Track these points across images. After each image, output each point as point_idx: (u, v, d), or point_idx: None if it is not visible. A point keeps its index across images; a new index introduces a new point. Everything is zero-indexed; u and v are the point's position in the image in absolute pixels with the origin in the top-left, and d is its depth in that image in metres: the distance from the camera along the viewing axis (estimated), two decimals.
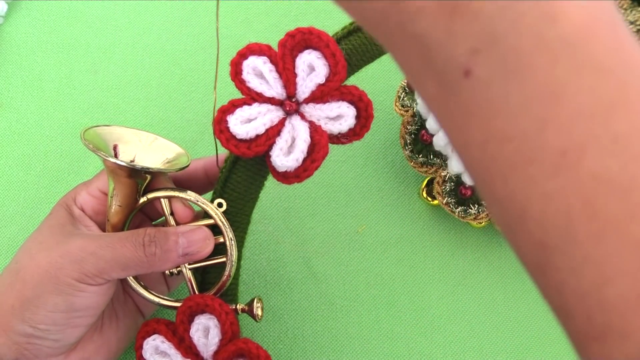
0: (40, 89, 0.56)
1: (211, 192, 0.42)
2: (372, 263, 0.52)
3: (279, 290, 0.51)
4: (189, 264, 0.40)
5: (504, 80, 0.18)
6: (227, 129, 0.38)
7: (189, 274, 0.40)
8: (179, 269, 0.40)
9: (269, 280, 0.51)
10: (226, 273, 0.41)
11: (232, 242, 0.40)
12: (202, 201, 0.40)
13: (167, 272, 0.40)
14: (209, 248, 0.40)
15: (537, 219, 0.18)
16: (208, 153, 0.54)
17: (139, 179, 0.40)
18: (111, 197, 0.40)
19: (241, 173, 0.39)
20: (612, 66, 0.18)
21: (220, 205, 0.40)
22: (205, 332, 0.37)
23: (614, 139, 0.17)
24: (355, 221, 0.53)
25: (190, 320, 0.38)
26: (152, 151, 0.42)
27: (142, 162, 0.41)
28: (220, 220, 0.40)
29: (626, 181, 0.17)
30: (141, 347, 0.38)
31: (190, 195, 0.40)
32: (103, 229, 0.41)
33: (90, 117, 0.55)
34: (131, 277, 0.41)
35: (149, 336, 0.38)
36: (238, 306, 0.40)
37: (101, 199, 0.41)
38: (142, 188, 0.41)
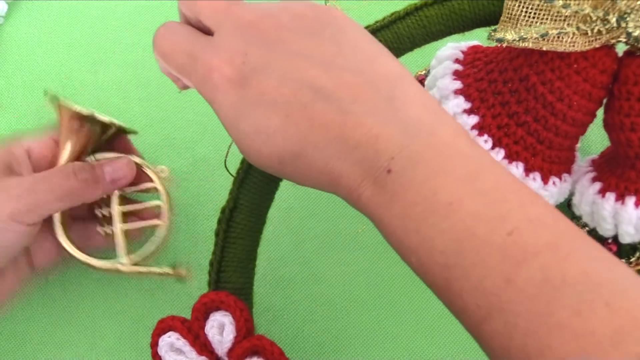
0: (40, 89, 0.56)
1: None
2: (372, 263, 0.52)
3: (279, 290, 0.51)
4: (121, 222, 0.44)
5: (411, 171, 0.28)
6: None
7: (120, 235, 0.44)
8: (111, 227, 0.44)
9: (269, 280, 0.51)
10: (161, 235, 0.45)
11: (168, 207, 0.45)
12: (145, 164, 0.46)
13: (100, 230, 0.45)
14: (133, 172, 0.44)
15: (441, 249, 0.28)
16: (209, 153, 0.54)
17: (93, 133, 0.45)
18: (62, 150, 0.44)
19: (258, 174, 0.40)
20: (472, 153, 0.29)
21: (162, 171, 0.46)
22: (220, 329, 0.38)
23: (480, 192, 0.28)
24: (356, 221, 0.53)
25: (206, 317, 0.38)
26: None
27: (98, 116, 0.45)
28: (160, 184, 0.46)
29: (489, 213, 0.27)
30: (157, 344, 0.38)
31: (135, 158, 0.46)
32: None
33: None
34: (61, 231, 0.43)
35: (164, 333, 0.38)
36: (161, 269, 0.44)
37: (50, 146, 0.43)
38: (90, 148, 0.45)
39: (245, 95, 0.31)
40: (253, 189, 0.40)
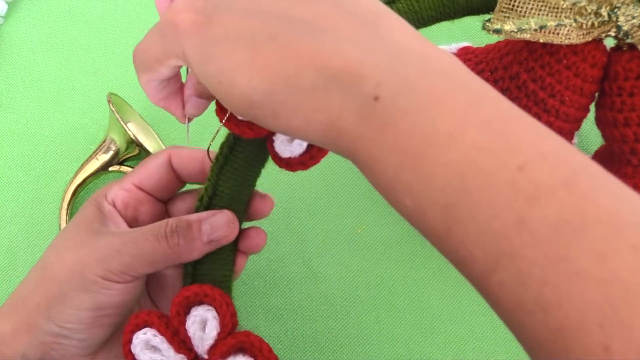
0: (40, 89, 0.56)
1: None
2: (372, 263, 0.52)
3: (279, 290, 0.51)
4: None
5: (403, 98, 0.25)
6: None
7: None
8: None
9: (269, 280, 0.51)
10: None
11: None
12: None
13: None
14: (234, 232, 0.38)
15: (441, 187, 0.24)
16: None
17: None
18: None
19: (239, 159, 0.38)
20: (472, 83, 0.26)
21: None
22: (202, 324, 0.35)
23: (485, 122, 0.25)
24: (355, 221, 0.53)
25: (187, 312, 0.35)
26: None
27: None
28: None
29: (496, 145, 0.24)
30: (130, 341, 0.35)
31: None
32: (134, 225, 0.40)
33: (90, 117, 0.55)
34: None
35: (139, 329, 0.35)
36: None
37: (133, 193, 0.40)
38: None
39: (210, 35, 0.29)
40: (234, 176, 0.38)
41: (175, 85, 0.37)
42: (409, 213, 0.26)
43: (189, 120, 0.38)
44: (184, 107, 0.37)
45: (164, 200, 0.42)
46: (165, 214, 0.42)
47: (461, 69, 0.27)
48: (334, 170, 0.54)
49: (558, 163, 0.24)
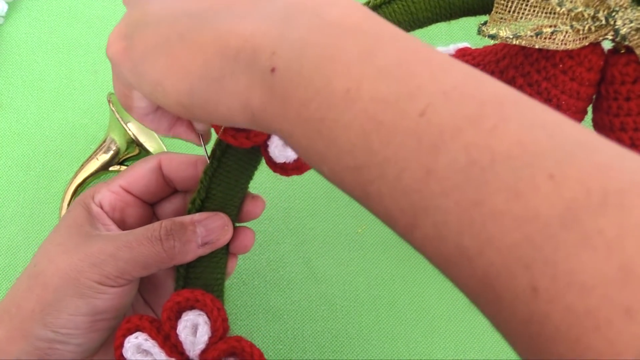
0: (40, 89, 0.56)
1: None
2: (372, 263, 0.52)
3: (279, 290, 0.51)
4: None
5: (297, 62, 0.24)
6: None
7: None
8: None
9: (269, 280, 0.51)
10: None
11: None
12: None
13: None
14: (228, 235, 0.38)
15: (348, 150, 0.24)
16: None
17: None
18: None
19: (232, 162, 0.38)
20: (368, 28, 0.25)
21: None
22: (194, 329, 0.35)
23: (380, 70, 0.23)
24: (356, 221, 0.53)
25: (178, 317, 0.35)
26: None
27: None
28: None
29: (394, 94, 0.23)
30: (122, 345, 0.35)
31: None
32: (122, 226, 0.40)
33: (90, 117, 0.55)
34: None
35: (131, 333, 0.35)
36: None
37: (121, 195, 0.40)
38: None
39: (135, 55, 0.29)
40: (227, 179, 0.38)
41: (174, 115, 0.37)
42: (329, 179, 0.26)
43: (205, 140, 0.37)
44: (193, 129, 0.37)
45: (151, 203, 0.42)
46: (153, 216, 0.42)
47: (357, 16, 0.25)
48: None
49: (462, 99, 0.22)
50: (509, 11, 0.38)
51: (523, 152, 0.21)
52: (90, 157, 0.52)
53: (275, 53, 0.25)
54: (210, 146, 0.38)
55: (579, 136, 0.22)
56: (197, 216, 0.38)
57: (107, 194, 0.40)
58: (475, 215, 0.21)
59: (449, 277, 0.23)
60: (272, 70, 0.25)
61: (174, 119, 0.37)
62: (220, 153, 0.37)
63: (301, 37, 0.25)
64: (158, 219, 0.42)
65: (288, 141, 0.26)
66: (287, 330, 0.50)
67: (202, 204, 0.38)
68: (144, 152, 0.50)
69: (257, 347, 0.35)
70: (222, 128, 0.35)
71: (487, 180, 0.21)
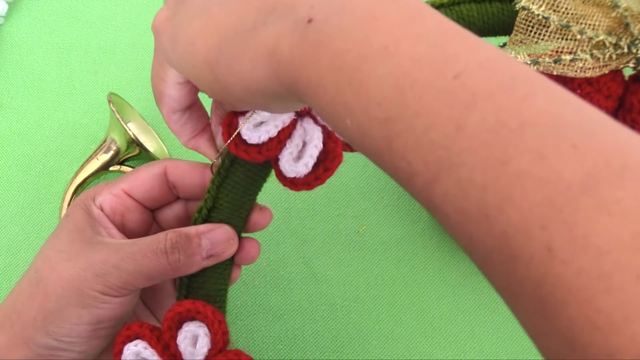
0: (40, 89, 0.56)
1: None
2: (372, 263, 0.52)
3: (279, 290, 0.51)
4: None
5: (336, 16, 0.25)
6: (238, 133, 0.35)
7: None
8: None
9: (269, 280, 0.51)
10: None
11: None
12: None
13: None
14: (234, 248, 0.38)
15: (379, 101, 0.24)
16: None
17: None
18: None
19: (240, 173, 0.37)
20: (409, 1, 0.26)
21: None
22: (194, 340, 0.35)
23: (420, 34, 0.24)
24: (356, 221, 0.53)
25: (178, 327, 0.35)
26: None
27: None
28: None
29: (432, 55, 0.24)
30: (121, 352, 0.35)
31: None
32: (121, 230, 0.40)
33: (90, 117, 0.55)
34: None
35: (131, 341, 0.35)
36: None
37: (122, 199, 0.40)
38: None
39: (176, 21, 0.31)
40: (235, 189, 0.37)
41: (199, 123, 0.37)
42: (351, 133, 0.26)
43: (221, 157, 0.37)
44: (213, 148, 0.37)
45: (152, 209, 0.42)
46: (152, 221, 0.42)
47: None
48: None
49: (495, 70, 0.23)
50: (529, 35, 0.37)
51: (550, 121, 0.22)
52: (90, 157, 0.52)
53: (314, 7, 0.26)
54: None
55: (600, 118, 0.23)
56: (202, 228, 0.37)
57: (109, 197, 0.39)
58: (500, 173, 0.22)
59: (463, 236, 0.24)
60: (309, 20, 0.26)
61: (199, 127, 0.37)
62: (229, 163, 0.37)
63: None
64: (158, 225, 0.42)
65: (311, 92, 0.26)
66: (287, 330, 0.50)
67: (208, 214, 0.37)
68: (144, 152, 0.50)
69: None
70: (233, 138, 0.35)
71: (515, 142, 0.22)
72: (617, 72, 0.38)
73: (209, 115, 0.38)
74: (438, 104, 0.23)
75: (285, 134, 0.36)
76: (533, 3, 0.36)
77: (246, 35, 0.28)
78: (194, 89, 0.36)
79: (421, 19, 0.25)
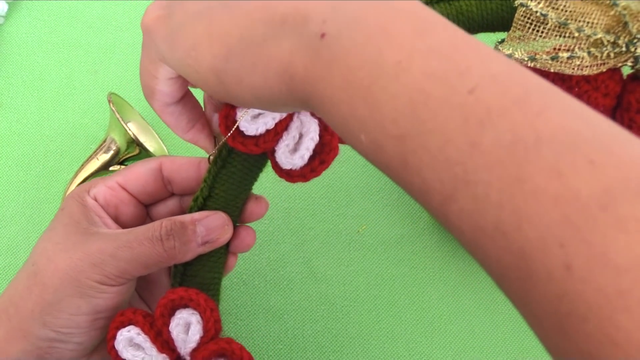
0: (40, 89, 0.56)
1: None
2: (372, 263, 0.52)
3: (279, 290, 0.51)
4: None
5: (349, 31, 0.25)
6: (235, 125, 0.35)
7: None
8: None
9: (269, 280, 0.51)
10: None
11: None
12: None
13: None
14: (228, 234, 0.38)
15: (393, 118, 0.24)
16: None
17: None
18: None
19: (237, 163, 0.37)
20: (420, 12, 0.26)
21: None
22: (186, 327, 0.36)
23: (432, 48, 0.24)
24: (356, 221, 0.53)
25: (171, 314, 0.36)
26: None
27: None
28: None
29: (445, 71, 0.24)
30: (114, 337, 0.36)
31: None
32: (116, 221, 0.40)
33: (90, 117, 0.55)
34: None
35: (124, 327, 0.36)
36: None
37: (116, 192, 0.40)
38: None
39: (173, 22, 0.30)
40: (231, 179, 0.38)
41: (194, 112, 0.37)
42: (365, 149, 0.26)
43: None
44: (210, 138, 0.37)
45: (146, 204, 0.42)
46: (146, 216, 0.42)
47: (409, 0, 0.26)
48: (334, 170, 0.54)
49: (509, 84, 0.23)
50: (527, 31, 0.37)
51: (566, 137, 0.22)
52: (90, 157, 0.52)
53: (326, 22, 0.26)
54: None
55: (615, 131, 0.23)
56: (197, 215, 0.38)
57: (103, 188, 0.40)
58: (517, 191, 0.22)
59: (479, 252, 0.23)
60: (322, 35, 0.26)
61: (194, 119, 0.37)
62: (227, 153, 0.37)
63: (354, 10, 0.26)
64: (152, 221, 0.42)
65: (325, 107, 0.26)
66: (287, 330, 0.50)
67: (204, 202, 0.38)
68: (144, 152, 0.50)
69: (248, 350, 0.35)
70: (232, 131, 0.35)
71: (531, 159, 0.22)
72: (615, 70, 0.38)
73: (202, 104, 0.39)
74: (453, 121, 0.23)
75: (282, 126, 0.36)
76: (531, 0, 0.36)
77: (256, 48, 0.27)
78: (185, 82, 0.36)
79: (433, 31, 0.25)
